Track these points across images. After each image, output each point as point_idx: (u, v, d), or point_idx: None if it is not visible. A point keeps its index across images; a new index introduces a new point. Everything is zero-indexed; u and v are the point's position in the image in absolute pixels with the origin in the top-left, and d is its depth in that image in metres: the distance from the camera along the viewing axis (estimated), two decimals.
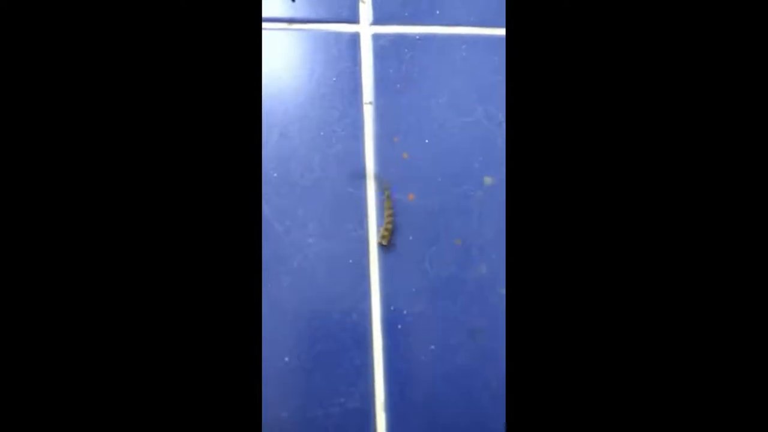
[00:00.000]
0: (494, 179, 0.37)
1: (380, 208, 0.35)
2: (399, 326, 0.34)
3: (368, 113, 0.37)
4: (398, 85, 0.37)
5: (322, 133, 0.36)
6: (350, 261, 0.35)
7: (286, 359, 0.33)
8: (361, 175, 0.33)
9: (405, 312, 0.34)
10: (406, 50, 0.38)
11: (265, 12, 0.38)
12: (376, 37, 0.38)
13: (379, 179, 0.35)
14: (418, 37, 0.38)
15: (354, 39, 0.38)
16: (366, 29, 0.38)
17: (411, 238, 0.35)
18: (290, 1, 0.38)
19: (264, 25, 0.37)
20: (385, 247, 0.35)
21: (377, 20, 0.38)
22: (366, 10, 0.38)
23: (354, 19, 0.38)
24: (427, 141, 0.37)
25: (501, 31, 0.39)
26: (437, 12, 0.39)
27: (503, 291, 0.35)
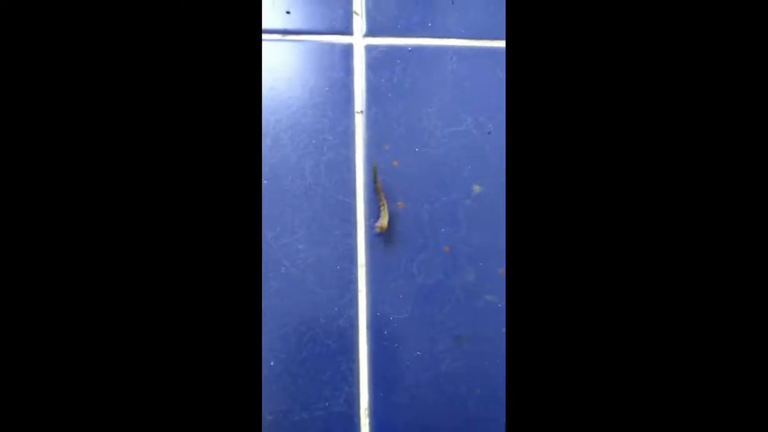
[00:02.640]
0: (483, 187, 0.37)
1: (371, 210, 0.36)
2: (385, 332, 0.34)
3: (359, 122, 0.37)
4: (390, 95, 0.38)
5: (313, 141, 0.37)
6: (338, 267, 0.35)
7: (272, 363, 0.33)
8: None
9: (391, 318, 0.35)
10: (398, 61, 0.39)
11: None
12: (369, 49, 0.39)
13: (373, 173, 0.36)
14: (410, 48, 0.39)
15: (347, 50, 0.39)
16: (359, 41, 0.39)
17: (399, 244, 0.36)
18: (285, 13, 0.39)
19: None
20: (385, 233, 0.35)
21: (370, 32, 0.39)
22: (360, 22, 0.39)
23: (348, 31, 0.39)
24: (417, 150, 0.37)
25: (490, 43, 0.39)
26: (429, 24, 0.40)
27: (490, 298, 0.36)
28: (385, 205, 0.36)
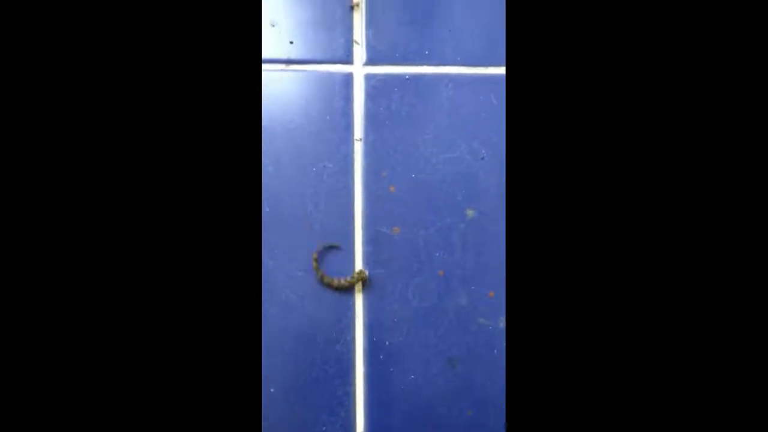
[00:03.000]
0: (476, 212, 0.38)
1: (369, 236, 0.37)
2: (381, 356, 0.36)
3: (358, 149, 0.39)
4: (387, 123, 0.39)
5: (314, 169, 0.38)
6: (336, 293, 0.36)
7: (272, 390, 0.35)
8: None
9: (387, 342, 0.36)
10: (395, 89, 0.40)
11: (265, 53, 0.40)
12: (369, 77, 0.40)
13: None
14: (407, 76, 0.40)
15: (347, 79, 0.40)
16: (359, 69, 0.40)
17: (396, 269, 0.37)
18: (289, 43, 0.40)
19: (264, 66, 0.40)
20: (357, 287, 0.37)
21: (370, 60, 0.40)
22: (360, 52, 0.40)
23: (348, 60, 0.40)
24: (413, 175, 0.38)
25: (485, 70, 0.40)
26: (426, 52, 0.41)
27: (482, 321, 0.37)
28: (341, 279, 0.36)
